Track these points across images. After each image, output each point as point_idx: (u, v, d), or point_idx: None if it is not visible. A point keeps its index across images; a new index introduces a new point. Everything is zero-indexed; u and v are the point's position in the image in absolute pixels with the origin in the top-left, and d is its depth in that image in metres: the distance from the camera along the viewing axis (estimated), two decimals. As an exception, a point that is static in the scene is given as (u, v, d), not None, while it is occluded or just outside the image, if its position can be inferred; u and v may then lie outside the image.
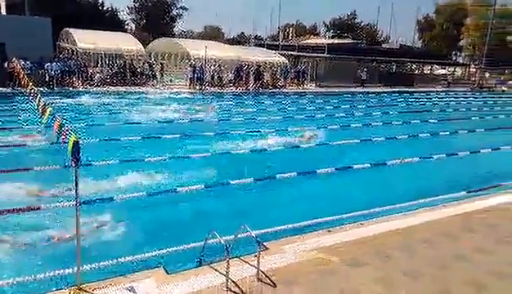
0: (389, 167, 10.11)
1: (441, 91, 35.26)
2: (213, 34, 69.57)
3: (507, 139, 14.01)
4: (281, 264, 4.96)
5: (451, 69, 48.47)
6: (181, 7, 55.50)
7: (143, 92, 22.72)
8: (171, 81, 27.21)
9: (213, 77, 26.80)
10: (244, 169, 9.38)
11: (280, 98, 24.43)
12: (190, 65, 26.42)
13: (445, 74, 46.30)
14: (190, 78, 25.79)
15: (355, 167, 9.68)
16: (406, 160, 10.48)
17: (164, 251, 5.33)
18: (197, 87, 25.41)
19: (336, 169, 9.41)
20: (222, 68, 26.96)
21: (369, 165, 9.86)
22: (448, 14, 58.03)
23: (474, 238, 5.99)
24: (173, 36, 47.89)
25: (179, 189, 7.49)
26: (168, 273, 4.59)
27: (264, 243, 5.34)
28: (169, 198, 7.34)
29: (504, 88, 39.66)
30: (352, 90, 30.82)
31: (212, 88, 25.87)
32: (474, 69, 49.04)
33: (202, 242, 4.97)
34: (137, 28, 52.68)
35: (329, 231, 6.06)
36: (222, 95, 24.09)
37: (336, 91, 29.30)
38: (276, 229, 6.20)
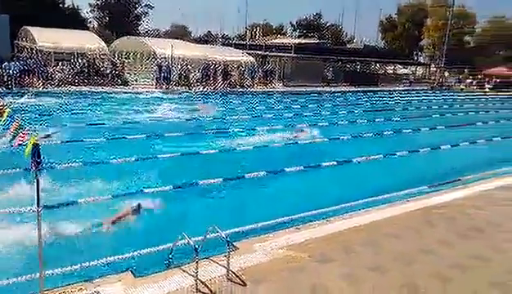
0: (355, 164, 10.38)
1: (403, 90, 36.46)
2: (179, 33, 68.58)
3: (465, 135, 14.73)
4: (251, 262, 4.98)
5: (413, 68, 50.25)
6: (146, 5, 54.39)
7: (106, 92, 22.10)
8: (136, 80, 26.65)
9: (180, 77, 26.49)
10: (214, 169, 9.33)
11: (248, 97, 24.48)
12: (157, 64, 25.99)
13: (407, 73, 47.98)
14: (157, 78, 25.39)
15: (323, 164, 9.87)
16: (371, 157, 10.78)
17: (132, 254, 5.22)
18: (164, 87, 25.03)
19: (305, 167, 9.55)
20: (189, 67, 26.67)
21: (335, 163, 10.07)
22: (409, 15, 59.99)
23: (436, 232, 6.25)
24: (138, 34, 46.82)
25: (146, 190, 7.36)
26: (135, 277, 4.51)
27: (234, 243, 5.34)
28: (136, 199, 7.18)
29: (462, 87, 41.56)
30: (319, 89, 31.33)
31: (179, 87, 25.57)
32: (435, 69, 51.06)
33: (171, 245, 4.91)
34: (100, 27, 51.15)
35: (298, 228, 6.15)
36: (190, 95, 23.84)
37: (303, 90, 29.69)
38: (246, 228, 6.21)
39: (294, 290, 4.45)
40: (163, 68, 25.28)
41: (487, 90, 39.19)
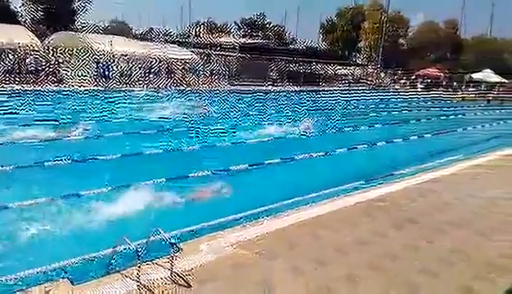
0: (299, 162, 10.67)
1: (343, 90, 37.97)
2: (119, 29, 65.93)
3: (399, 132, 15.69)
4: (197, 263, 4.92)
5: (352, 69, 52.51)
6: (83, -1, 51.55)
7: (39, 91, 20.73)
8: (73, 78, 25.26)
9: (121, 74, 25.55)
10: (157, 169, 9.13)
11: (193, 96, 24.17)
12: (95, 61, 24.85)
13: (346, 74, 50.06)
14: (95, 75, 24.28)
15: (266, 162, 10.03)
16: (314, 155, 11.13)
17: (69, 261, 4.94)
18: (103, 84, 23.99)
19: (250, 165, 9.64)
20: (131, 64, 25.81)
21: (279, 160, 10.28)
22: (348, 18, 62.61)
23: (373, 224, 6.58)
24: (75, 30, 44.36)
25: (82, 192, 7.00)
26: (73, 285, 4.27)
27: (179, 244, 5.25)
28: (70, 203, 6.81)
29: (397, 87, 44.16)
30: (264, 88, 31.72)
31: (120, 85, 24.66)
32: (372, 70, 53.77)
33: (111, 249, 4.72)
34: (33, 21, 47.72)
35: (244, 226, 6.18)
36: (130, 93, 23.04)
37: (249, 89, 29.88)
38: (192, 228, 6.14)
39: (240, 287, 4.47)
40: (102, 65, 24.22)
41: (419, 89, 41.98)
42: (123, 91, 23.07)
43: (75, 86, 22.76)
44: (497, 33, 72.21)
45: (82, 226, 6.14)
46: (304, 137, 14.04)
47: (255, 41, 47.39)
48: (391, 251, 5.62)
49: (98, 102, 18.78)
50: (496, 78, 42.45)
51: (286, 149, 12.07)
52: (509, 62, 55.39)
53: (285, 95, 29.69)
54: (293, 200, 7.54)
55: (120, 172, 8.68)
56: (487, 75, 43.37)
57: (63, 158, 9.01)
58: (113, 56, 25.17)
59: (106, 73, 24.14)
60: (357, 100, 31.06)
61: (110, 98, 19.77)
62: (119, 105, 18.03)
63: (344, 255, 5.42)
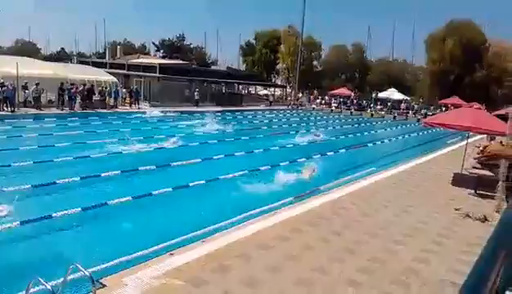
0: (223, 182, 10.67)
1: (265, 110, 39.00)
2: (26, 50, 61.20)
3: (318, 148, 16.50)
4: (121, 298, 4.61)
5: (272, 89, 54.40)
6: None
7: None
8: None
9: (29, 98, 23.50)
10: (74, 198, 8.50)
11: (112, 119, 23.03)
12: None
13: (267, 94, 51.68)
14: (-1, 100, 22.00)
15: (191, 184, 9.87)
16: (237, 174, 11.21)
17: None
18: (7, 110, 21.85)
19: (173, 188, 9.37)
20: (39, 87, 23.79)
21: (204, 181, 10.20)
22: (265, 40, 65.05)
23: (302, 239, 6.76)
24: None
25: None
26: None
27: (101, 280, 4.89)
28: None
29: (313, 106, 46.56)
30: (187, 109, 31.32)
31: (28, 110, 22.69)
32: (290, 90, 56.21)
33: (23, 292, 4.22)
34: None
35: (171, 254, 5.94)
36: (40, 118, 21.28)
37: (172, 110, 29.20)
38: (115, 262, 5.76)
39: (169, 320, 4.27)
40: (6, 88, 22.03)
41: (333, 108, 44.73)
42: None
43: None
44: (398, 55, 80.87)
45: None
46: (229, 157, 14.06)
47: (176, 62, 46.87)
48: (319, 264, 5.80)
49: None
50: (399, 96, 46.80)
51: (212, 169, 11.97)
52: (410, 82, 62.03)
53: (210, 116, 29.54)
54: (222, 224, 7.47)
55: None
56: (392, 93, 47.63)
57: None
58: (19, 79, 23.07)
59: (11, 98, 21.97)
60: (278, 119, 32.09)
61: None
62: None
63: (275, 273, 5.47)
